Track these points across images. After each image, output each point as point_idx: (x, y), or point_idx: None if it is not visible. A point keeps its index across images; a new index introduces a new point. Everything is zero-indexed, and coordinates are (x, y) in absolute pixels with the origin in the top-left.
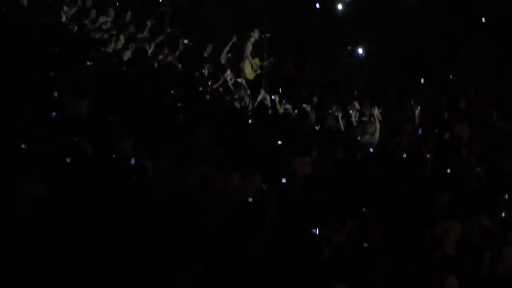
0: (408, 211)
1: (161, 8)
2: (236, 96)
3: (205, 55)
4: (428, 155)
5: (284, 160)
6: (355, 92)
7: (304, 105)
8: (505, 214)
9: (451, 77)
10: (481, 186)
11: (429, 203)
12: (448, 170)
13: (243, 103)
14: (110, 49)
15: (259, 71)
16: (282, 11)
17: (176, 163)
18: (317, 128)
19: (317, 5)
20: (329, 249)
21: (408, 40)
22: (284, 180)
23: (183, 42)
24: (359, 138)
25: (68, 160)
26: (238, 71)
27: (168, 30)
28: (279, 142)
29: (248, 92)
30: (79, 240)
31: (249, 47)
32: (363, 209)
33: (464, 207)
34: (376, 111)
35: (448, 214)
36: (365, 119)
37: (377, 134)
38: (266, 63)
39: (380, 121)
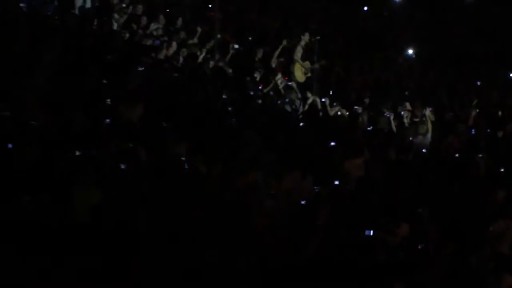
0: (462, 211)
1: (211, 14)
2: (287, 100)
3: (256, 59)
4: (481, 155)
5: (336, 162)
6: (406, 93)
7: (356, 107)
8: None
9: (502, 76)
10: None
11: (483, 203)
12: (502, 169)
13: (294, 107)
14: (161, 55)
15: (309, 74)
16: (332, 13)
17: (229, 167)
18: (369, 129)
19: (366, 8)
20: (384, 250)
21: (458, 40)
22: (336, 182)
23: (233, 47)
24: (411, 138)
25: (122, 166)
26: (288, 75)
27: (218, 35)
28: (331, 143)
29: (299, 95)
30: (134, 245)
31: (299, 50)
32: (417, 210)
33: None
34: (428, 112)
35: (503, 213)
36: (417, 119)
37: (429, 135)
38: (316, 66)
39: (432, 122)
